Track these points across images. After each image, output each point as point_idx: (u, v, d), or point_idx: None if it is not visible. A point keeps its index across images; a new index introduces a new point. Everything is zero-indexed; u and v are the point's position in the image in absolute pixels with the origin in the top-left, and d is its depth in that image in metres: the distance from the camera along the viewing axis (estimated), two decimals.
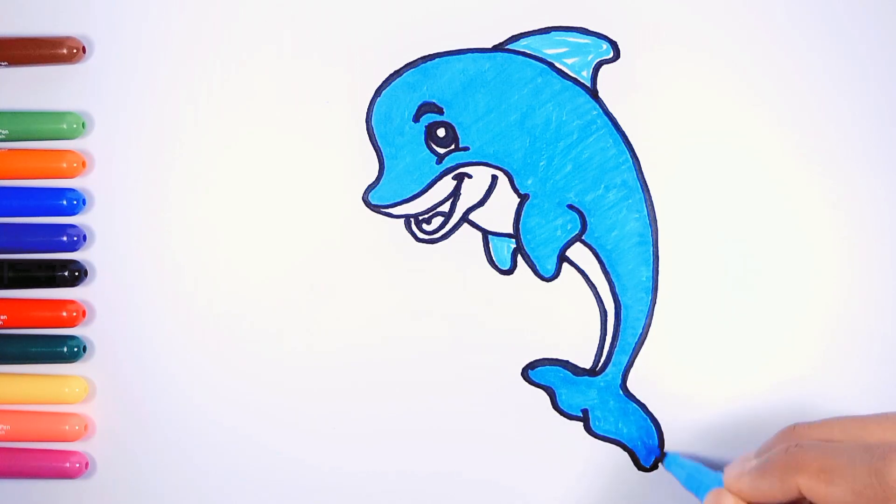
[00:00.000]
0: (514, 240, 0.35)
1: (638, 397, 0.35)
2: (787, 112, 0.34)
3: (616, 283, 0.35)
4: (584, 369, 0.35)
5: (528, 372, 0.35)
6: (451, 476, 0.35)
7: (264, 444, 0.36)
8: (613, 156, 0.34)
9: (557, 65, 0.34)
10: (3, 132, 0.35)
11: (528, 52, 0.34)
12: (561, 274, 0.35)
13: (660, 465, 0.35)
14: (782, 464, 0.28)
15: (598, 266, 0.35)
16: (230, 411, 0.36)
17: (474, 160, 0.35)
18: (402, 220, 0.35)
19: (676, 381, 0.35)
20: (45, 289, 0.36)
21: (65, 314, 0.35)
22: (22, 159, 0.35)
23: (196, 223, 0.36)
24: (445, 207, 0.35)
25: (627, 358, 0.35)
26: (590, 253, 0.35)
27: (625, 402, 0.35)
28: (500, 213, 0.35)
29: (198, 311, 0.36)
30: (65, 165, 0.35)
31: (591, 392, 0.35)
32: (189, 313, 0.36)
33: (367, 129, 0.35)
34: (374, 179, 0.35)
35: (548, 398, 0.35)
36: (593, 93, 0.34)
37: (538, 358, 0.35)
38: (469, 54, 0.35)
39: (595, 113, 0.34)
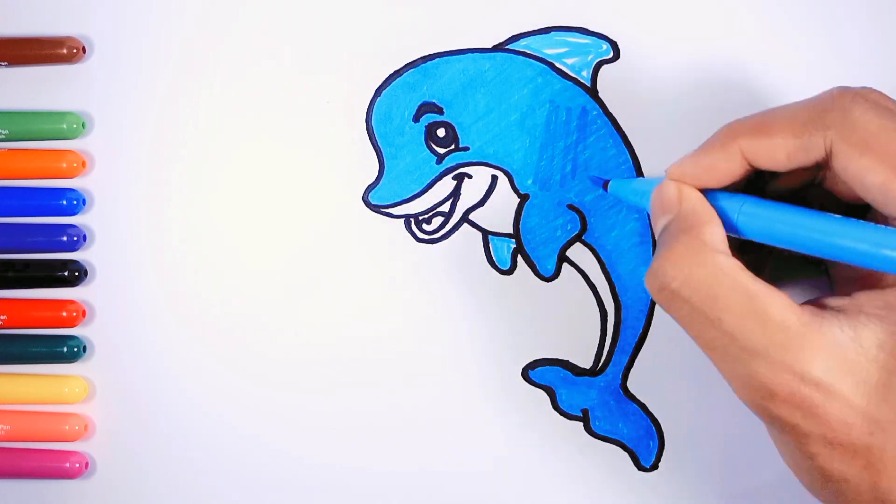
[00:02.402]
0: (514, 240, 0.35)
1: (638, 397, 0.35)
2: None
3: (616, 283, 0.35)
4: (584, 369, 0.35)
5: (528, 372, 0.35)
6: (451, 476, 0.35)
7: (266, 444, 0.36)
8: (613, 156, 0.34)
9: (557, 65, 0.34)
10: (3, 132, 0.35)
11: (528, 52, 0.34)
12: (561, 274, 0.35)
13: (607, 190, 0.34)
14: (722, 134, 0.28)
15: (598, 266, 0.35)
16: (231, 411, 0.36)
17: (474, 160, 0.35)
18: (402, 220, 0.35)
19: (676, 381, 0.35)
20: (45, 289, 0.36)
21: (65, 314, 0.35)
22: (22, 159, 0.35)
23: (196, 223, 0.36)
24: (445, 207, 0.35)
25: (627, 358, 0.35)
26: (590, 253, 0.35)
27: (625, 402, 0.35)
28: (500, 213, 0.35)
29: (198, 310, 0.36)
30: (65, 165, 0.35)
31: (591, 392, 0.35)
32: (189, 313, 0.36)
33: (367, 129, 0.35)
34: (374, 179, 0.35)
35: (548, 398, 0.35)
36: (593, 93, 0.34)
37: (538, 358, 0.35)
38: (469, 54, 0.35)
39: (595, 113, 0.34)
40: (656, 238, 0.29)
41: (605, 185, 0.33)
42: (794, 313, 0.25)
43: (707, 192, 0.29)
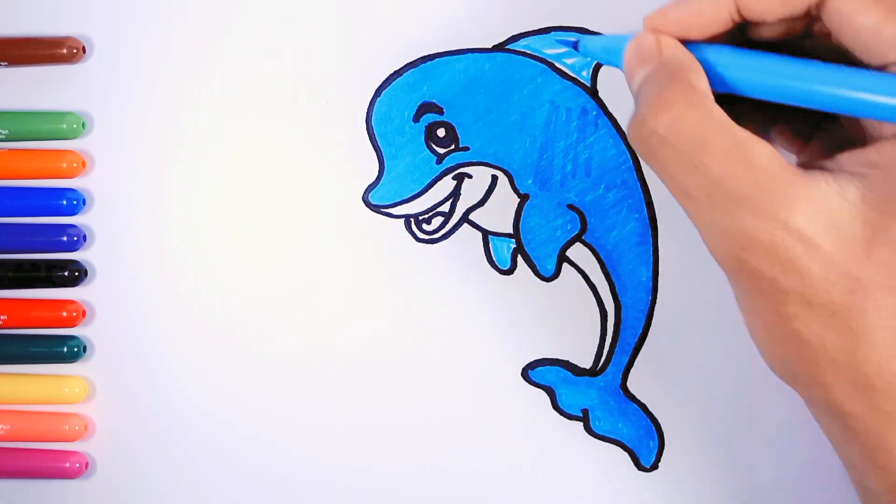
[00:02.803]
0: (514, 240, 0.35)
1: (638, 397, 0.35)
2: None
3: (616, 283, 0.35)
4: (584, 369, 0.35)
5: (528, 372, 0.35)
6: (451, 476, 0.35)
7: (265, 444, 0.36)
8: (613, 156, 0.34)
9: (557, 65, 0.34)
10: (3, 132, 0.35)
11: (528, 52, 0.34)
12: (561, 274, 0.35)
13: (576, 52, 0.32)
14: None
15: (598, 266, 0.35)
16: (231, 411, 0.36)
17: (474, 160, 0.35)
18: (402, 220, 0.35)
19: (676, 381, 0.35)
20: (45, 289, 0.36)
21: (65, 314, 0.35)
22: (22, 159, 0.35)
23: (196, 223, 0.36)
24: (445, 207, 0.35)
25: (627, 358, 0.35)
26: (590, 253, 0.35)
27: (625, 402, 0.35)
28: (500, 213, 0.35)
29: (198, 310, 0.36)
30: (65, 165, 0.35)
31: (591, 392, 0.35)
32: (189, 313, 0.36)
33: (367, 129, 0.35)
34: (374, 179, 0.35)
35: (548, 398, 0.35)
36: (593, 93, 0.34)
37: (538, 358, 0.35)
38: (469, 54, 0.35)
39: (595, 113, 0.34)
40: (633, 92, 0.27)
41: (574, 45, 0.32)
42: (780, 161, 0.25)
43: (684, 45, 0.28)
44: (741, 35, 0.28)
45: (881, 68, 0.25)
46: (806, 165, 0.26)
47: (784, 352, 0.26)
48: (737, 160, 0.24)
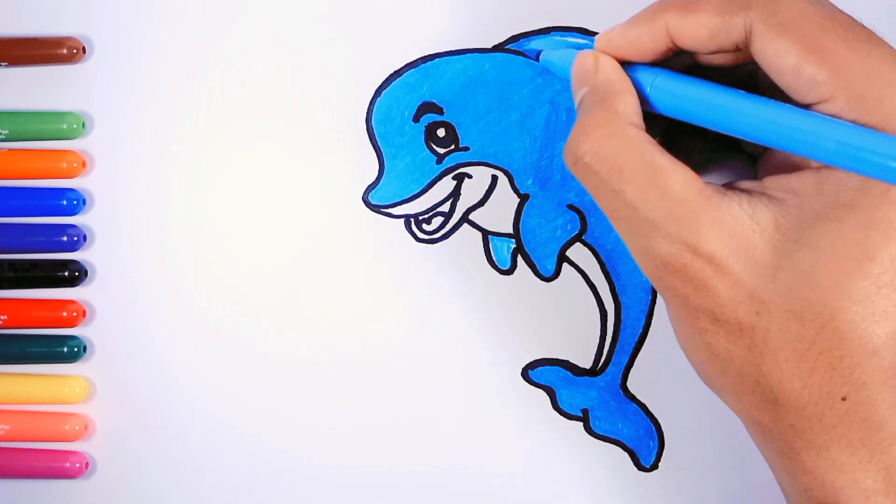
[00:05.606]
0: (514, 240, 0.35)
1: (638, 397, 0.35)
2: None
3: (616, 283, 0.35)
4: (584, 369, 0.35)
5: (528, 372, 0.35)
6: (451, 476, 0.35)
7: (266, 444, 0.36)
8: None
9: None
10: (4, 132, 0.35)
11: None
12: (561, 274, 0.35)
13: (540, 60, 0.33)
14: (651, 8, 0.28)
15: (598, 266, 0.35)
16: (231, 411, 0.36)
17: (474, 160, 0.35)
18: (402, 220, 0.35)
19: (676, 381, 0.35)
20: (45, 289, 0.36)
21: (65, 314, 0.35)
22: (22, 159, 0.35)
23: (196, 223, 0.36)
24: (445, 207, 0.35)
25: (627, 358, 0.35)
26: (590, 253, 0.35)
27: (625, 402, 0.35)
28: (500, 213, 0.35)
29: (198, 310, 0.36)
30: (65, 165, 0.35)
31: (591, 392, 0.35)
32: (189, 313, 0.36)
33: (367, 129, 0.35)
34: (374, 179, 0.35)
35: (548, 398, 0.35)
36: None
37: (538, 358, 0.35)
38: (469, 54, 0.35)
39: None
40: (577, 109, 0.29)
41: (537, 56, 0.33)
42: (695, 188, 0.25)
43: (627, 65, 0.28)
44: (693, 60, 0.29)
45: (806, 107, 0.25)
46: (732, 185, 0.27)
47: (700, 360, 0.27)
48: (651, 188, 0.25)
